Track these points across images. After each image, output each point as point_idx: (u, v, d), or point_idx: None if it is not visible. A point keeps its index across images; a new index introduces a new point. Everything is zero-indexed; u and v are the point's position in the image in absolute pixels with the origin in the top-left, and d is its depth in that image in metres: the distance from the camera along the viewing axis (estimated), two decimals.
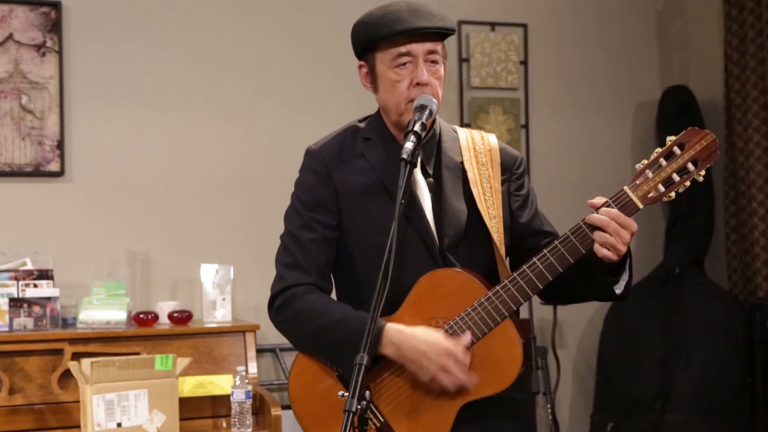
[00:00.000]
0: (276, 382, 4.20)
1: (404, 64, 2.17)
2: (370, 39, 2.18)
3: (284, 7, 4.35)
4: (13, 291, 3.69)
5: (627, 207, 2.09)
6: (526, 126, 4.69)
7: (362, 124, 2.33)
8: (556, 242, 2.10)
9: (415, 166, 2.11)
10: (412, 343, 2.11)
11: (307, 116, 4.33)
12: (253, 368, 3.79)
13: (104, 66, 4.08)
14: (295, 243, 2.26)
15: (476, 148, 2.27)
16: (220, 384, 3.69)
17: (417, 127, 2.08)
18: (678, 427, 4.47)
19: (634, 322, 4.69)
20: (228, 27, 4.26)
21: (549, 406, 4.52)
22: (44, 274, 3.77)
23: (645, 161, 2.06)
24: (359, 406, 1.85)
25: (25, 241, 3.91)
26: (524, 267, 2.11)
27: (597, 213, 2.09)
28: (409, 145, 2.05)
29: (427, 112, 2.12)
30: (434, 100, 2.15)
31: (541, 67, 4.78)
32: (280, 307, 2.25)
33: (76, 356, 3.55)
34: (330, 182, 2.27)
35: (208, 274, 3.99)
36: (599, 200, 2.11)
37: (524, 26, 4.75)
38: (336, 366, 2.21)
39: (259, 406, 3.69)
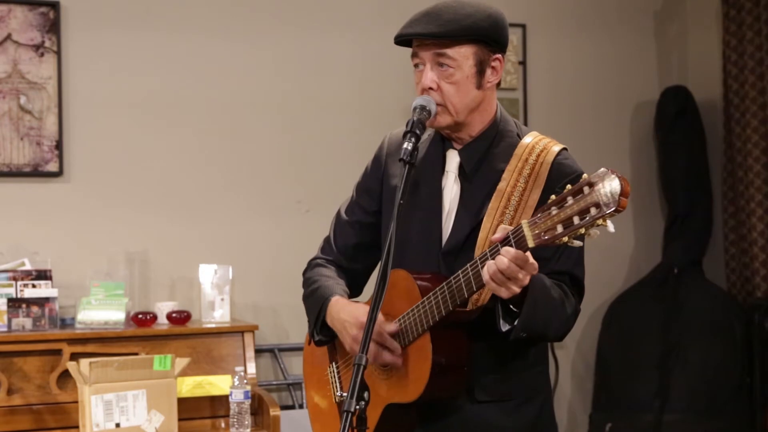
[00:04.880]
0: (275, 383, 4.19)
1: (418, 66, 2.18)
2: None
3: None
4: (11, 291, 3.69)
5: (519, 244, 1.87)
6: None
7: None
8: (468, 265, 1.98)
9: (414, 166, 2.09)
10: (340, 314, 2.21)
11: (298, 128, 4.34)
12: (251, 368, 3.80)
13: (103, 66, 4.08)
14: (336, 222, 2.43)
15: (528, 158, 2.14)
16: (218, 384, 3.69)
17: (416, 129, 2.08)
18: (676, 426, 4.47)
19: (633, 322, 4.69)
20: (230, 25, 4.26)
21: None
22: (43, 275, 3.77)
23: (554, 196, 1.85)
24: (358, 407, 1.86)
25: (24, 242, 3.91)
26: (443, 284, 2.04)
27: (495, 256, 1.90)
28: (407, 145, 2.05)
29: (425, 113, 2.11)
30: (432, 100, 2.13)
31: (539, 68, 4.78)
32: (303, 274, 2.43)
33: (75, 356, 3.55)
34: (381, 170, 2.33)
35: (207, 274, 3.99)
36: (500, 234, 1.92)
37: (523, 26, 4.75)
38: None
39: (258, 407, 3.69)
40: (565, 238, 1.79)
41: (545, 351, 2.30)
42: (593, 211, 1.74)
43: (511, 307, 2.00)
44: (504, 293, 1.92)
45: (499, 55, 2.19)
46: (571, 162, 2.17)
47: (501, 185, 2.12)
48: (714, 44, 4.90)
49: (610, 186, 1.72)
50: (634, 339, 4.67)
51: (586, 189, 1.76)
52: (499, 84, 2.23)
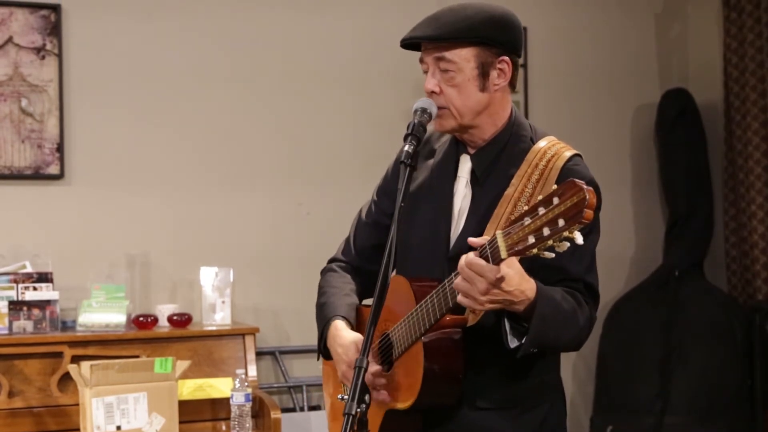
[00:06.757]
0: (275, 385, 4.19)
1: (425, 71, 2.17)
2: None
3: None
4: (12, 294, 3.69)
5: (494, 255, 1.84)
6: None
7: None
8: (453, 274, 1.96)
9: (415, 169, 2.08)
10: (335, 345, 2.23)
11: (299, 131, 4.34)
12: (252, 371, 3.80)
13: (104, 69, 4.08)
14: (356, 221, 2.44)
15: (539, 163, 2.09)
16: (219, 387, 3.69)
17: (416, 131, 2.07)
18: (677, 429, 4.47)
19: (634, 325, 4.69)
20: (233, 28, 4.26)
21: None
22: (44, 277, 3.77)
23: (526, 207, 1.81)
24: (359, 410, 1.86)
25: (25, 244, 3.91)
26: (433, 292, 2.03)
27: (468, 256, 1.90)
28: (407, 148, 2.04)
29: (426, 116, 2.10)
30: (433, 103, 2.12)
31: (540, 70, 4.78)
32: (321, 274, 2.45)
33: (76, 359, 3.55)
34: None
35: (208, 276, 3.99)
36: (480, 240, 1.91)
37: (524, 29, 4.75)
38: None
39: (259, 409, 3.69)
40: (535, 250, 1.75)
41: (555, 359, 2.24)
42: (561, 222, 1.70)
43: (522, 323, 1.98)
44: (477, 294, 1.88)
45: (505, 57, 2.16)
46: (582, 168, 2.10)
47: (509, 191, 2.08)
48: (715, 47, 4.90)
49: (577, 198, 1.68)
50: (635, 341, 4.67)
51: (555, 200, 1.72)
52: (514, 87, 2.20)
